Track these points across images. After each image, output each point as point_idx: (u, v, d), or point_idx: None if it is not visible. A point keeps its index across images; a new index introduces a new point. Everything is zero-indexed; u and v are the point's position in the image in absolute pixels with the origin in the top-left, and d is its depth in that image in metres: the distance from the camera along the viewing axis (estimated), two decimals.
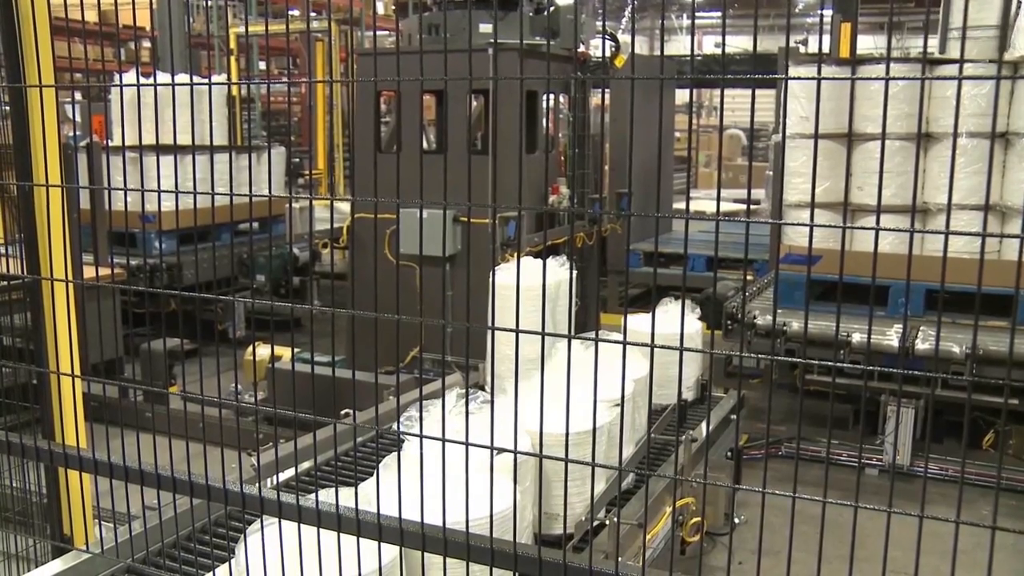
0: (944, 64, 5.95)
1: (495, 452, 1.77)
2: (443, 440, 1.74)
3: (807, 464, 5.96)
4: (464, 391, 2.61)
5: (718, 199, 1.76)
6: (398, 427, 2.66)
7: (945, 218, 5.74)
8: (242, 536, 2.23)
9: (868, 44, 20.42)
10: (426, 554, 1.75)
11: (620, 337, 1.71)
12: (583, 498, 3.11)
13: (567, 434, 1.75)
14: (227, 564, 2.46)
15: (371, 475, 2.68)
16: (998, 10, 5.74)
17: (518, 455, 1.86)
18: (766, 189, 9.62)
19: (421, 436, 1.77)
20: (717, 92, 21.53)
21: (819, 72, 1.37)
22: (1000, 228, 5.79)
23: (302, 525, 1.85)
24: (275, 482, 3.41)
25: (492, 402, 2.73)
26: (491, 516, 1.87)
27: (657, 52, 20.49)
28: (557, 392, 1.76)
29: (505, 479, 2.46)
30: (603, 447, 3.28)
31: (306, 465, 3.75)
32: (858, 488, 1.54)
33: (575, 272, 4.05)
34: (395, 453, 2.58)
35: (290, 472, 3.62)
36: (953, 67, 5.76)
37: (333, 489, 1.96)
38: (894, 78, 5.46)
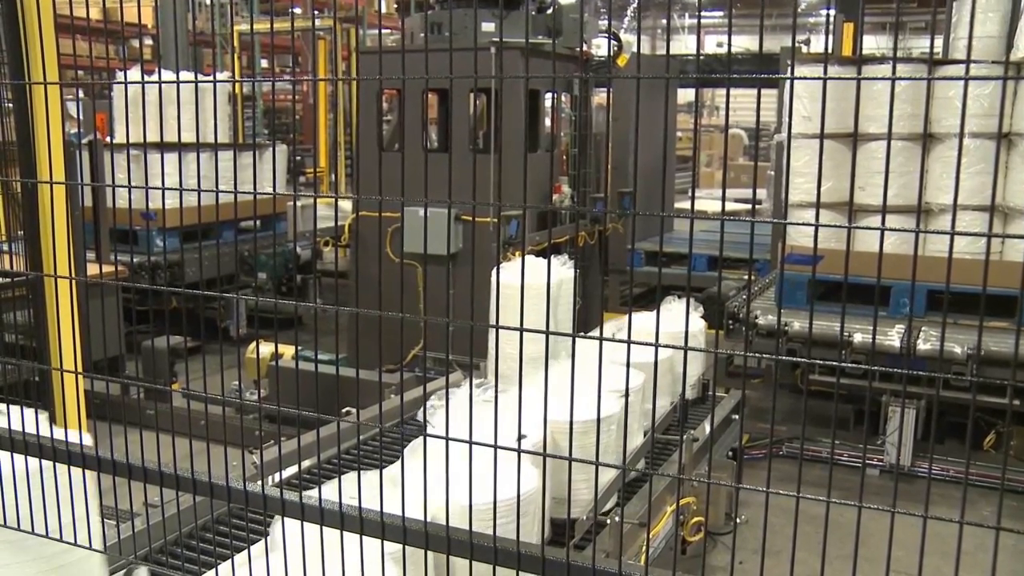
0: (947, 64, 5.94)
1: (499, 449, 1.77)
2: (469, 443, 1.74)
3: (807, 464, 5.96)
4: (476, 384, 2.65)
5: (723, 199, 1.76)
6: (400, 426, 2.67)
7: (947, 218, 5.74)
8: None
9: (869, 44, 20.43)
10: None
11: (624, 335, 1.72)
12: (590, 485, 3.16)
13: (571, 425, 1.75)
14: (263, 541, 2.48)
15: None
16: (999, 16, 5.73)
17: (525, 449, 1.86)
18: (768, 189, 9.63)
19: (445, 438, 1.78)
20: (718, 92, 21.55)
21: (825, 72, 1.37)
22: (1002, 228, 5.79)
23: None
24: (277, 479, 3.42)
25: (496, 400, 2.74)
26: (494, 506, 1.88)
27: (658, 51, 20.48)
28: (562, 389, 1.78)
29: (526, 464, 2.50)
30: (614, 436, 3.31)
31: (308, 463, 3.76)
32: (862, 488, 1.54)
33: (577, 271, 4.06)
34: (421, 437, 2.65)
35: (292, 470, 3.62)
36: (955, 67, 5.76)
37: (355, 474, 1.97)
38: (900, 78, 5.45)
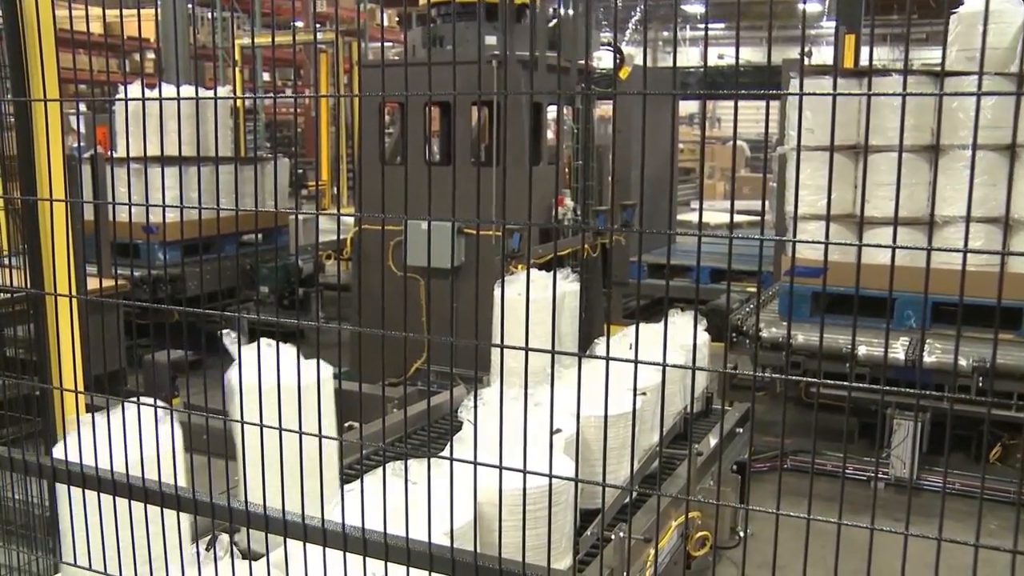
0: (952, 76, 5.91)
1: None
2: (500, 463, 1.73)
3: (814, 477, 5.90)
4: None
5: (731, 213, 1.74)
6: (404, 441, 2.66)
7: (952, 230, 5.71)
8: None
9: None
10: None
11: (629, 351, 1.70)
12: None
13: (577, 441, 1.73)
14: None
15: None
16: (1001, 28, 5.71)
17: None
18: (770, 200, 9.62)
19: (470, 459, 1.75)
20: (719, 103, 21.59)
21: (835, 87, 1.36)
22: (1007, 239, 5.77)
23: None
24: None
25: (500, 414, 2.74)
26: (523, 498, 1.85)
27: (659, 64, 20.53)
28: (583, 392, 1.82)
29: (559, 456, 2.81)
30: (627, 433, 3.35)
31: None
32: (874, 508, 1.52)
33: (581, 284, 4.04)
34: (468, 428, 2.94)
35: None
36: (960, 79, 5.73)
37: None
38: (910, 94, 5.45)
